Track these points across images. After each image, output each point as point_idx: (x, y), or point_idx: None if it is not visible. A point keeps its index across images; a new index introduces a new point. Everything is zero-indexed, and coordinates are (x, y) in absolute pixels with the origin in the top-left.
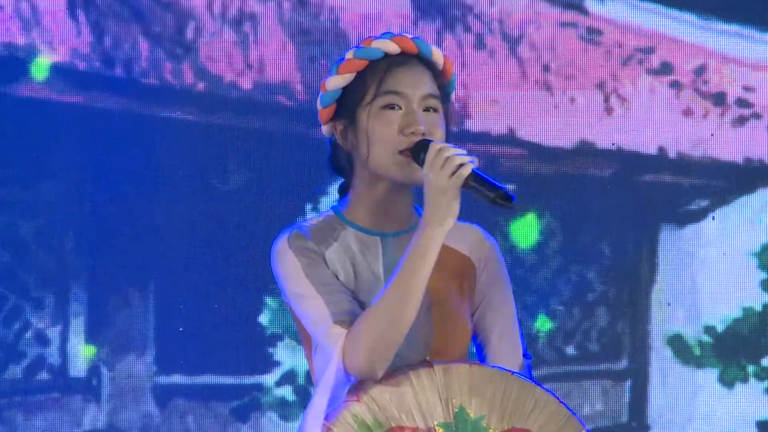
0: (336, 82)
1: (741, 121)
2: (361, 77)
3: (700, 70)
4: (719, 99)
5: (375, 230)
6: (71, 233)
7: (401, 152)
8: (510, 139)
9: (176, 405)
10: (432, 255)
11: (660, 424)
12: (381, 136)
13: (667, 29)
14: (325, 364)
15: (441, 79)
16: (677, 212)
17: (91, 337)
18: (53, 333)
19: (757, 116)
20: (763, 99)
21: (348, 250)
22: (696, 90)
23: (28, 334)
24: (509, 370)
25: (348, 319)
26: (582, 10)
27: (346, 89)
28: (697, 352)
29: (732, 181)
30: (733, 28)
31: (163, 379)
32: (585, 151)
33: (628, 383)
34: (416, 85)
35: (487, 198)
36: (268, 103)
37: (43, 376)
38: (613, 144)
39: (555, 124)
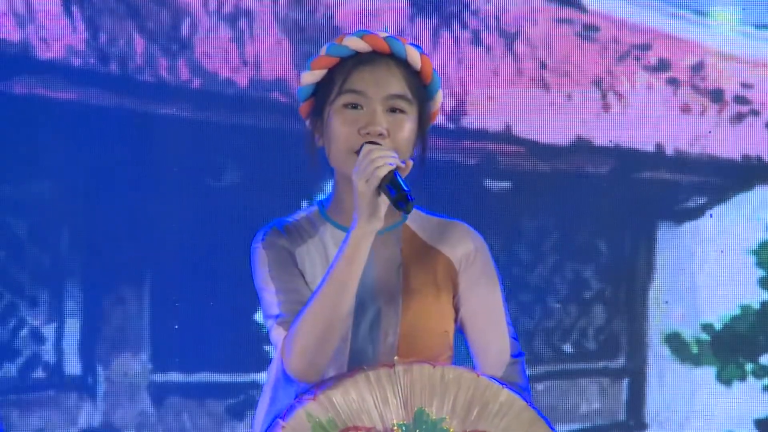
0: (307, 78)
1: (739, 118)
2: (330, 75)
3: (698, 67)
4: (717, 96)
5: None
6: (66, 231)
7: (357, 152)
8: (507, 136)
9: (172, 403)
10: (360, 258)
11: (657, 422)
12: (339, 134)
13: (665, 26)
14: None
15: (419, 79)
16: (675, 210)
17: (86, 335)
18: (48, 331)
19: (755, 113)
20: (761, 96)
21: (324, 246)
22: (693, 87)
23: (23, 332)
24: (478, 372)
25: (290, 321)
26: (578, 6)
27: (318, 85)
28: (695, 350)
29: (730, 178)
30: (731, 24)
31: (159, 377)
32: (582, 148)
33: (625, 381)
34: (380, 85)
35: (390, 199)
36: (263, 100)
37: (39, 374)
38: (611, 141)
39: (552, 121)
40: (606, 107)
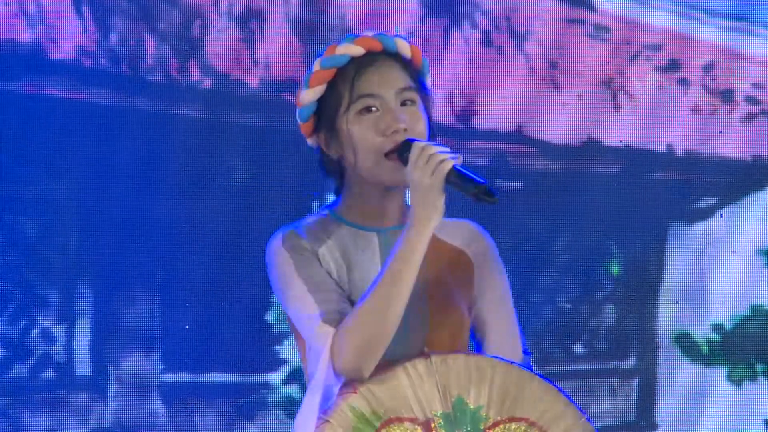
0: (308, 96)
1: (749, 118)
2: (333, 86)
3: (709, 67)
4: (727, 96)
5: (370, 227)
6: (76, 231)
7: (387, 155)
8: (517, 136)
9: (183, 403)
10: (419, 253)
11: (668, 422)
12: (363, 140)
13: (675, 26)
14: (317, 363)
15: (413, 67)
16: (685, 210)
17: (96, 335)
18: (59, 331)
19: (765, 113)
20: None
21: (343, 246)
22: (704, 87)
23: (34, 332)
24: (509, 361)
25: (337, 318)
26: (589, 6)
27: (321, 100)
28: (705, 350)
29: (740, 178)
30: (742, 24)
31: (170, 378)
32: (592, 148)
33: (635, 381)
34: (388, 82)
35: (470, 193)
36: (274, 100)
37: (49, 374)
38: (621, 141)
39: (562, 121)
40: (617, 107)
